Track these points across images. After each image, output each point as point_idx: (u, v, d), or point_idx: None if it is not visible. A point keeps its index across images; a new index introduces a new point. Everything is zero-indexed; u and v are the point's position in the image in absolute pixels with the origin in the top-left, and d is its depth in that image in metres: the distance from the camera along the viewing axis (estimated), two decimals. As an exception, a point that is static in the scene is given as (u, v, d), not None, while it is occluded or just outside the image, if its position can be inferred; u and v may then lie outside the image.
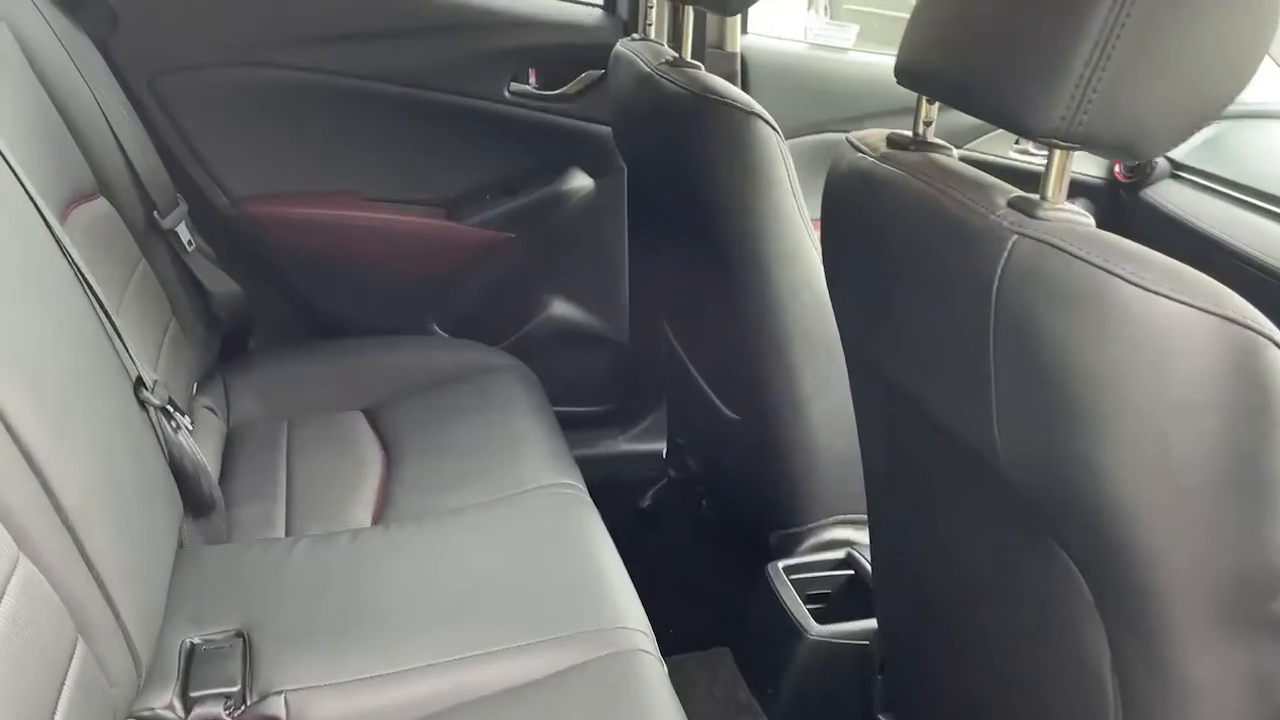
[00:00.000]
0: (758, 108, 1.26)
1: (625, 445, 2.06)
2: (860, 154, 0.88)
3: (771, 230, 1.30)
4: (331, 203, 1.85)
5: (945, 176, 0.77)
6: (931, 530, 1.02)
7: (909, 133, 0.87)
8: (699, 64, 1.38)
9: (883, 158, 0.85)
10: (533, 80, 1.87)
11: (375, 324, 1.91)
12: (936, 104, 0.84)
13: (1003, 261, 0.68)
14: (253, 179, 1.81)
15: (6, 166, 1.07)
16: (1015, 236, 0.68)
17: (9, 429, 0.87)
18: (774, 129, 1.27)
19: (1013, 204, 0.71)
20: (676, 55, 1.41)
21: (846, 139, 0.91)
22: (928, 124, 0.85)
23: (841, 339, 1.05)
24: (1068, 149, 0.68)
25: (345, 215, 1.86)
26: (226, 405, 1.64)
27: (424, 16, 1.80)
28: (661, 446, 1.99)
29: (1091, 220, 0.69)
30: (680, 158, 1.38)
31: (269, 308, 1.86)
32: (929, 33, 0.78)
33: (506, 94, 1.85)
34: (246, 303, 1.73)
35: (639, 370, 2.04)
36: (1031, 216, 0.69)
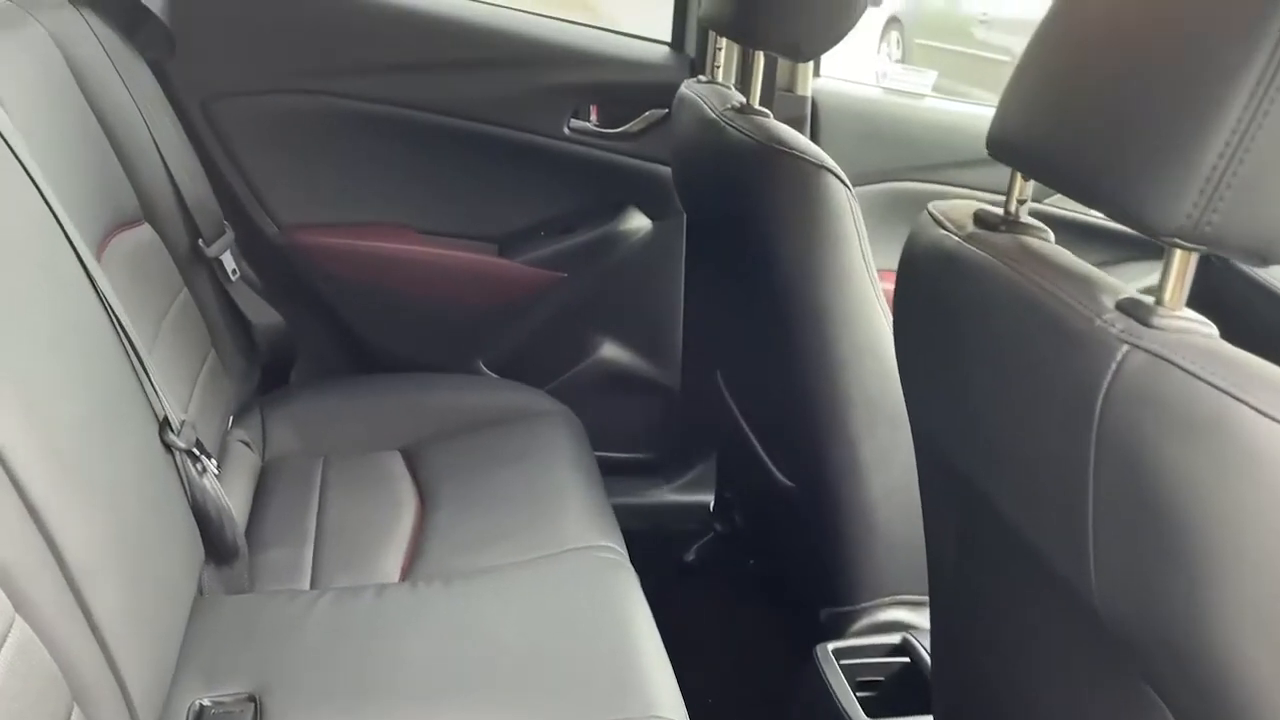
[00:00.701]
0: (828, 161, 1.19)
1: (671, 495, 1.99)
2: (944, 230, 0.79)
3: (836, 289, 1.22)
4: (382, 234, 1.81)
5: (1042, 266, 0.69)
6: (1000, 627, 0.93)
7: (998, 209, 0.78)
8: (767, 111, 1.31)
9: (969, 237, 0.76)
10: (593, 117, 1.82)
11: (420, 360, 1.86)
12: (1032, 181, 0.75)
13: (1110, 376, 0.59)
14: (303, 207, 1.77)
15: (39, 196, 1.03)
16: (1126, 347, 0.59)
17: (14, 481, 0.82)
18: (844, 184, 1.19)
19: (1123, 307, 0.62)
20: (744, 101, 1.34)
21: (928, 212, 0.83)
22: (1021, 202, 0.76)
23: (910, 420, 0.96)
24: (1192, 250, 0.59)
25: (395, 248, 1.82)
26: (263, 439, 1.60)
27: (487, 49, 1.76)
28: (709, 499, 1.91)
29: (1214, 330, 0.60)
30: (743, 207, 1.30)
31: (312, 339, 1.81)
32: (1030, 103, 0.70)
33: (566, 130, 1.80)
34: (289, 334, 1.69)
35: (689, 419, 1.96)
36: (1146, 324, 0.60)
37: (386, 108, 1.74)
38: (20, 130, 1.07)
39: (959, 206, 0.81)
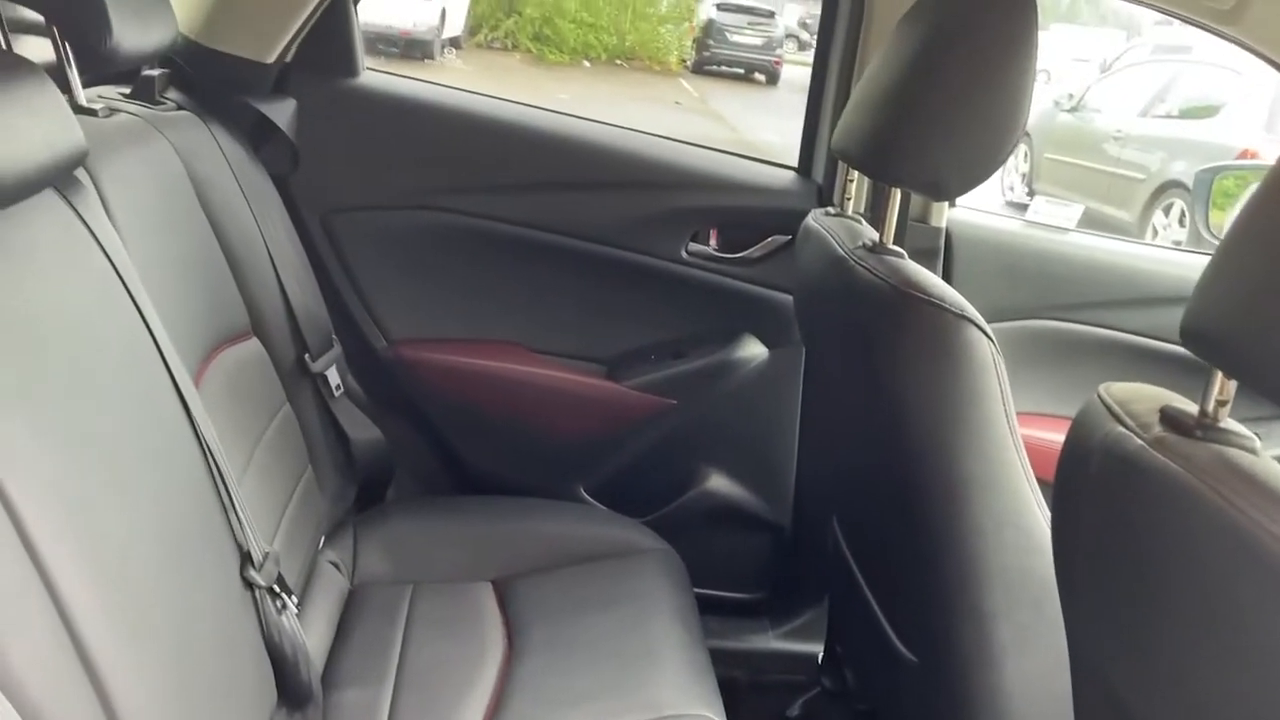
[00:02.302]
0: (970, 311, 1.08)
1: (776, 643, 1.85)
2: (1123, 429, 0.67)
3: (974, 450, 1.10)
4: (489, 352, 1.77)
5: (1256, 493, 0.56)
6: None
7: (1191, 407, 0.66)
8: (902, 251, 1.21)
9: (1156, 442, 0.64)
10: (713, 241, 1.76)
11: (519, 482, 1.79)
12: (1234, 381, 0.63)
13: None
14: (412, 322, 1.75)
15: (143, 324, 1.00)
16: None
17: (74, 635, 0.77)
18: (988, 336, 1.08)
19: None
20: (876, 239, 1.25)
21: (1101, 400, 0.71)
22: (1222, 403, 0.64)
23: (1069, 640, 0.83)
24: None
25: (501, 366, 1.77)
26: (353, 560, 1.54)
27: (607, 170, 1.73)
28: (817, 650, 1.77)
29: None
30: (871, 352, 1.20)
31: (411, 456, 1.77)
32: (1234, 295, 0.59)
33: (684, 254, 1.74)
34: (388, 451, 1.64)
35: (799, 561, 1.84)
36: None
37: (500, 225, 1.72)
38: (138, 246, 1.06)
39: (1140, 396, 0.69)
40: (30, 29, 1.23)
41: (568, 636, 1.38)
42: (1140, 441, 0.65)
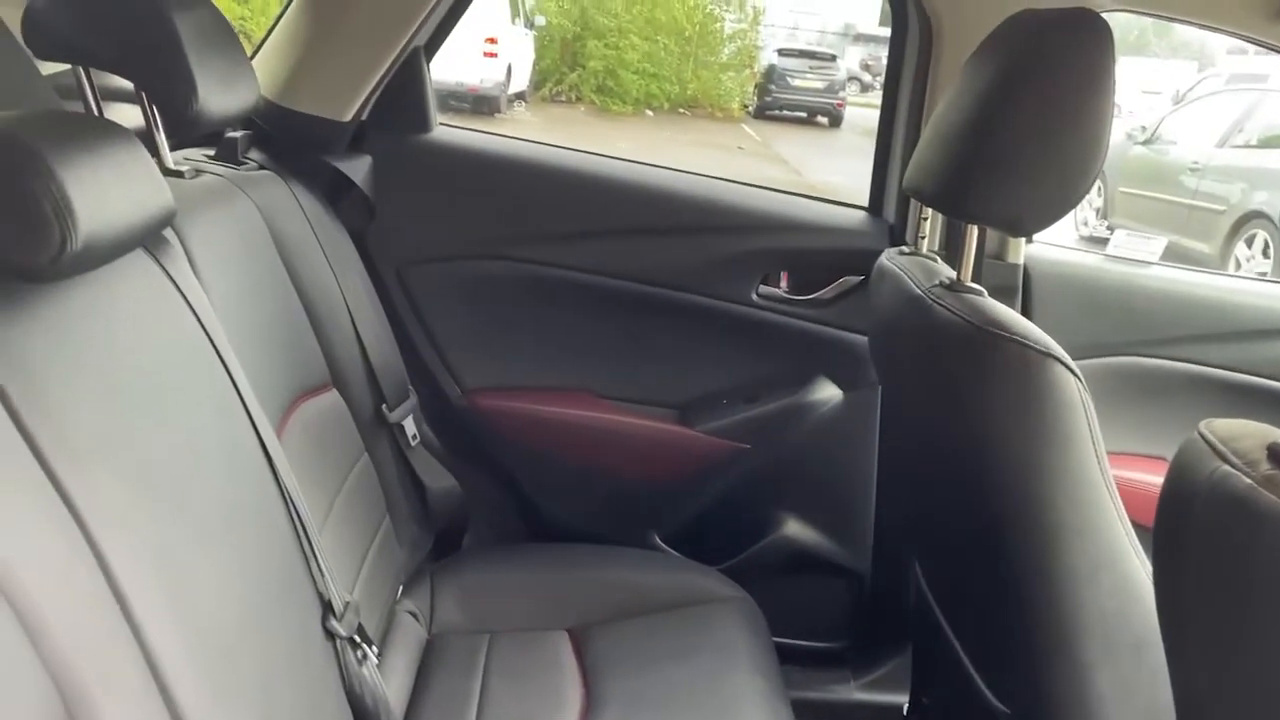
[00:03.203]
0: (1055, 348, 1.05)
1: (859, 694, 1.80)
2: (1229, 467, 0.64)
3: (1065, 495, 1.06)
4: (562, 400, 1.77)
5: None
6: None
7: None
8: (981, 288, 1.18)
9: (1267, 481, 0.61)
10: (784, 283, 1.75)
11: (593, 529, 1.78)
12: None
13: None
14: (485, 371, 1.76)
15: (228, 378, 1.02)
16: None
17: (162, 686, 0.78)
18: (1075, 374, 1.04)
19: None
20: (954, 277, 1.22)
21: (1203, 438, 0.68)
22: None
23: (1171, 677, 0.79)
24: None
25: (575, 414, 1.77)
26: (431, 609, 1.54)
27: (677, 217, 1.73)
28: (902, 700, 1.72)
29: None
30: (952, 393, 1.17)
31: (486, 504, 1.78)
32: None
33: (754, 296, 1.73)
34: (463, 499, 1.65)
35: (881, 609, 1.79)
36: None
37: (571, 272, 1.73)
38: (223, 302, 1.09)
39: (1244, 433, 0.66)
40: (120, 96, 1.28)
41: (646, 687, 1.35)
42: (1249, 480, 0.62)
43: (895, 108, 1.70)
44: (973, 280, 1.21)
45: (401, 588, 1.52)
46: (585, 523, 1.80)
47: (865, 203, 1.77)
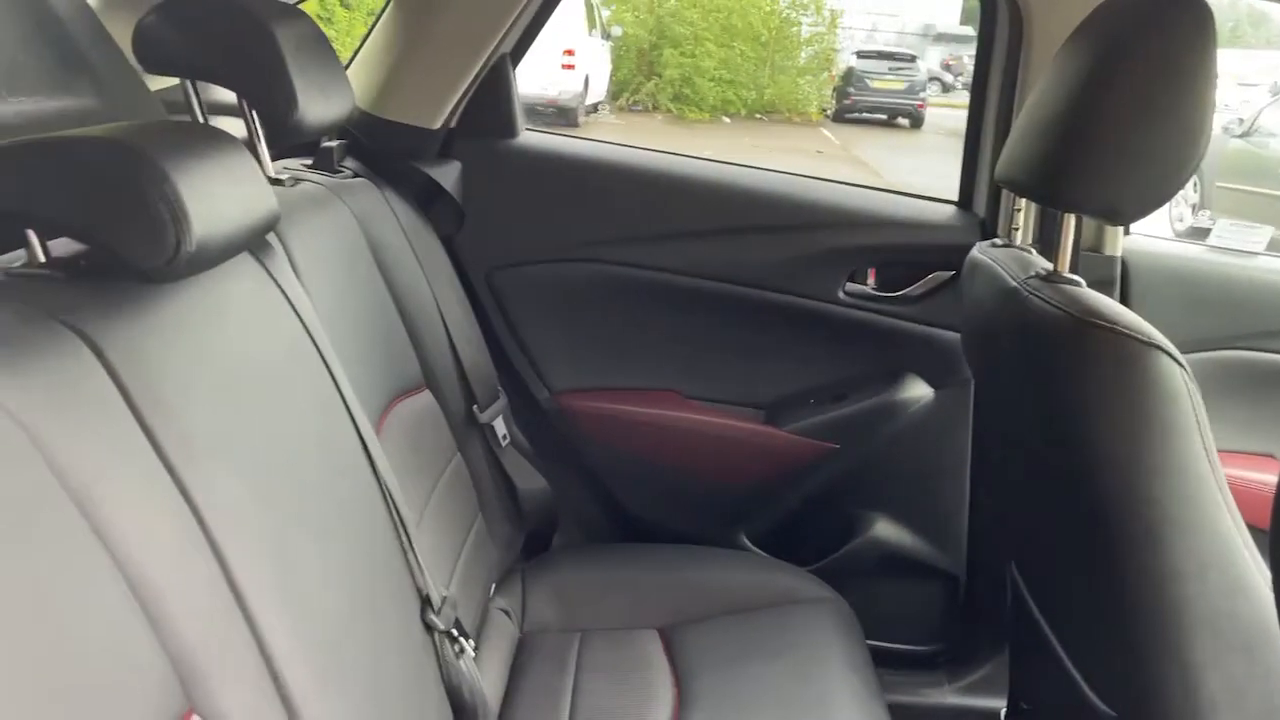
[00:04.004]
0: (1159, 338, 1.01)
1: (954, 698, 1.76)
2: None
3: (1171, 490, 1.02)
4: (649, 400, 1.78)
5: None
6: None
7: None
8: (1079, 279, 1.16)
9: None
10: (871, 280, 1.73)
11: (681, 530, 1.78)
12: None
13: None
14: (573, 372, 1.78)
15: (329, 377, 1.05)
16: None
17: (274, 674, 0.80)
18: (1180, 364, 1.01)
19: None
20: (1051, 268, 1.19)
21: None
22: None
23: None
24: None
25: (661, 414, 1.77)
26: (522, 608, 1.56)
27: (761, 215, 1.73)
28: (1000, 705, 1.68)
29: None
30: (1051, 387, 1.14)
31: (575, 505, 1.79)
32: None
33: (842, 294, 1.72)
34: (553, 500, 1.67)
35: (976, 611, 1.75)
36: None
37: (656, 273, 1.74)
38: (322, 304, 1.12)
39: None
40: (222, 110, 1.33)
41: (738, 685, 1.35)
42: None
43: (984, 101, 1.67)
44: (1070, 273, 1.19)
45: (494, 586, 1.54)
46: (673, 523, 1.81)
47: (953, 198, 1.75)
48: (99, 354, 0.75)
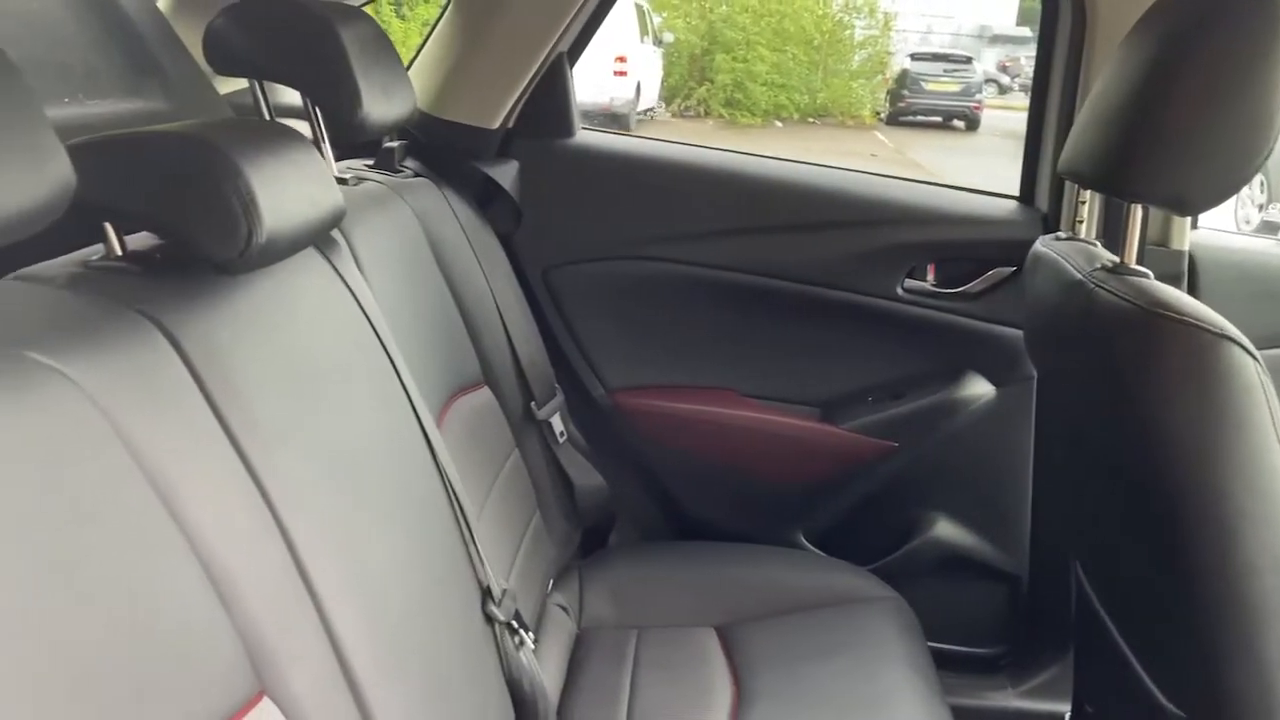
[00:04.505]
0: (1232, 330, 0.99)
1: (1017, 701, 1.73)
2: None
3: (1244, 484, 1.00)
4: (704, 398, 1.78)
5: None
6: None
7: None
8: (1147, 271, 1.13)
9: None
10: (930, 277, 1.71)
11: (738, 529, 1.78)
12: None
13: None
14: (629, 370, 1.79)
15: (392, 369, 1.07)
16: None
17: (342, 662, 0.82)
18: (1254, 356, 0.99)
19: None
20: (1117, 260, 1.17)
21: None
22: None
23: None
24: None
25: (717, 412, 1.77)
26: (580, 604, 1.57)
27: (819, 211, 1.72)
28: (1064, 709, 1.65)
29: None
30: (1119, 381, 1.12)
31: (632, 503, 1.80)
32: None
33: (900, 290, 1.70)
34: (610, 497, 1.67)
35: (1039, 612, 1.72)
36: None
37: (712, 271, 1.74)
38: (385, 301, 1.14)
39: None
40: (287, 113, 1.36)
41: (797, 683, 1.34)
42: None
43: (1046, 94, 1.65)
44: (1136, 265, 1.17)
45: (551, 582, 1.55)
46: (729, 521, 1.80)
47: (1015, 192, 1.72)
48: (174, 343, 0.77)
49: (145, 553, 0.67)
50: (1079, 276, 1.18)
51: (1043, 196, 1.65)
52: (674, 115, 12.83)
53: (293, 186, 0.88)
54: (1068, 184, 1.58)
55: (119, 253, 0.83)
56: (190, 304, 0.81)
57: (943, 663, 1.44)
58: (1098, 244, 1.31)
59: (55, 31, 1.18)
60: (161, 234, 0.84)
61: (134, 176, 0.81)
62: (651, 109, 12.10)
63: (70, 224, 0.61)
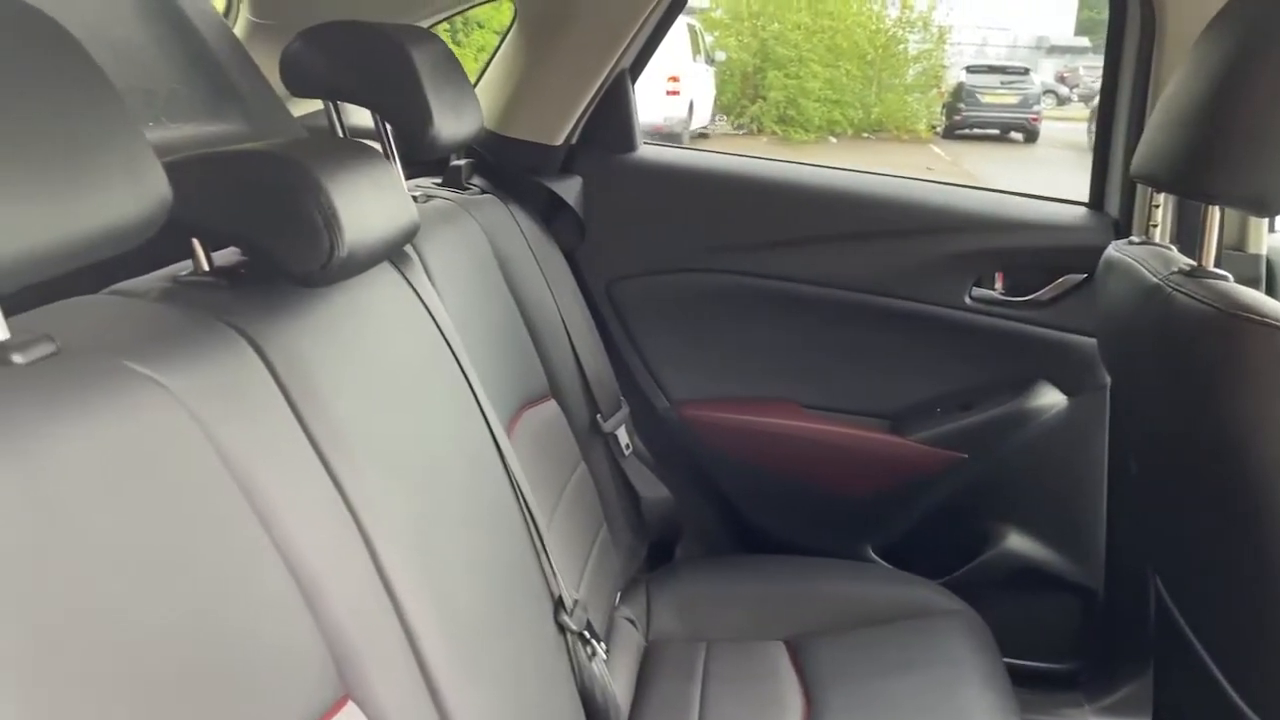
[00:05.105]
0: None
1: (1094, 718, 1.69)
2: None
3: None
4: (769, 410, 1.77)
5: None
6: None
7: None
8: (1226, 274, 1.11)
9: None
10: (999, 285, 1.69)
11: (804, 543, 1.76)
12: None
13: None
14: (693, 382, 1.79)
15: (464, 379, 1.09)
16: None
17: (421, 662, 0.83)
18: None
19: None
20: (1194, 263, 1.15)
21: None
22: None
23: None
24: None
25: (782, 424, 1.76)
26: (647, 617, 1.57)
27: (883, 221, 1.71)
28: (1144, 728, 1.60)
29: None
30: (1196, 386, 1.10)
31: (697, 516, 1.79)
32: None
33: (968, 299, 1.68)
34: (675, 510, 1.67)
35: (1116, 627, 1.68)
36: None
37: (776, 282, 1.74)
38: (455, 315, 1.15)
39: None
40: (357, 134, 1.38)
41: (870, 696, 1.33)
42: None
43: (1115, 99, 1.63)
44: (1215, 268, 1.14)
45: (619, 595, 1.55)
46: (796, 535, 1.79)
47: (1085, 199, 1.70)
48: (261, 355, 0.79)
49: (238, 558, 0.69)
50: (1156, 280, 1.16)
51: (1113, 201, 1.63)
52: (726, 134, 12.84)
53: (371, 201, 0.90)
54: (1140, 188, 1.55)
55: (206, 268, 0.85)
56: (274, 317, 0.83)
57: (1016, 679, 1.41)
58: (1173, 248, 1.28)
59: (139, 58, 1.22)
60: (246, 249, 0.87)
61: (220, 194, 0.83)
62: (704, 127, 12.12)
63: (154, 241, 0.63)
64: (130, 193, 0.60)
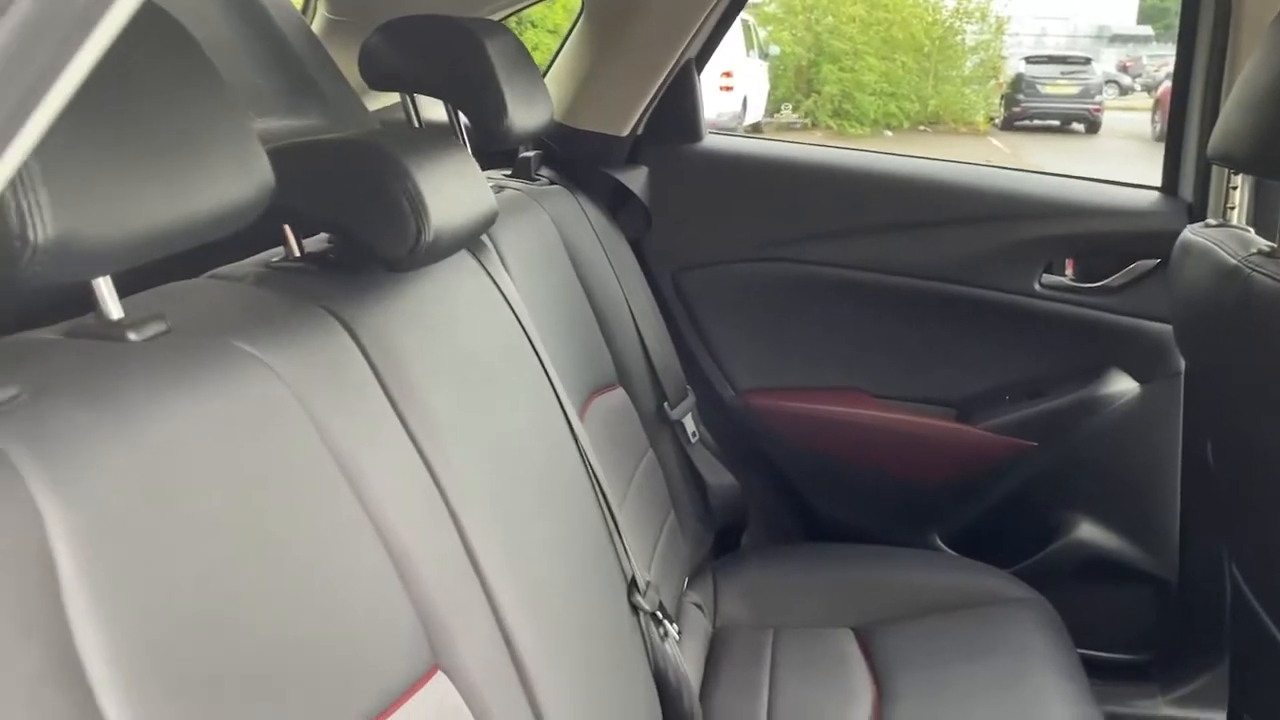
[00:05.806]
0: None
1: (1168, 709, 1.67)
2: None
3: None
4: (835, 399, 1.77)
5: None
6: None
7: None
8: None
9: None
10: (1069, 271, 1.67)
11: (872, 531, 1.76)
12: None
13: None
14: (758, 371, 1.79)
15: (539, 363, 1.11)
16: None
17: (505, 636, 0.85)
18: None
19: None
20: (1274, 244, 1.13)
21: None
22: None
23: None
24: None
25: (849, 412, 1.76)
26: (714, 604, 1.58)
27: (949, 208, 1.70)
28: (1219, 718, 1.58)
29: None
30: (1279, 368, 1.08)
31: (763, 504, 1.80)
32: None
33: (1037, 286, 1.67)
34: (742, 497, 1.68)
35: (1191, 616, 1.65)
36: None
37: (841, 270, 1.74)
38: (529, 303, 1.18)
39: None
40: (430, 128, 1.41)
41: (941, 683, 1.32)
42: None
43: (1189, 82, 1.60)
44: None
45: (686, 580, 1.56)
46: (863, 523, 1.79)
47: (1158, 183, 1.67)
48: (353, 335, 0.81)
49: (337, 532, 0.71)
50: (1235, 262, 1.14)
51: (1187, 185, 1.60)
52: (780, 127, 12.76)
53: (454, 189, 0.92)
54: (1215, 170, 1.53)
55: (297, 254, 0.88)
56: (363, 300, 0.86)
57: (1089, 669, 1.40)
58: (1250, 230, 1.27)
59: (222, 54, 1.26)
60: (336, 234, 0.90)
61: (312, 181, 0.86)
62: (758, 122, 12.06)
63: (243, 229, 0.66)
64: (238, 178, 0.62)
